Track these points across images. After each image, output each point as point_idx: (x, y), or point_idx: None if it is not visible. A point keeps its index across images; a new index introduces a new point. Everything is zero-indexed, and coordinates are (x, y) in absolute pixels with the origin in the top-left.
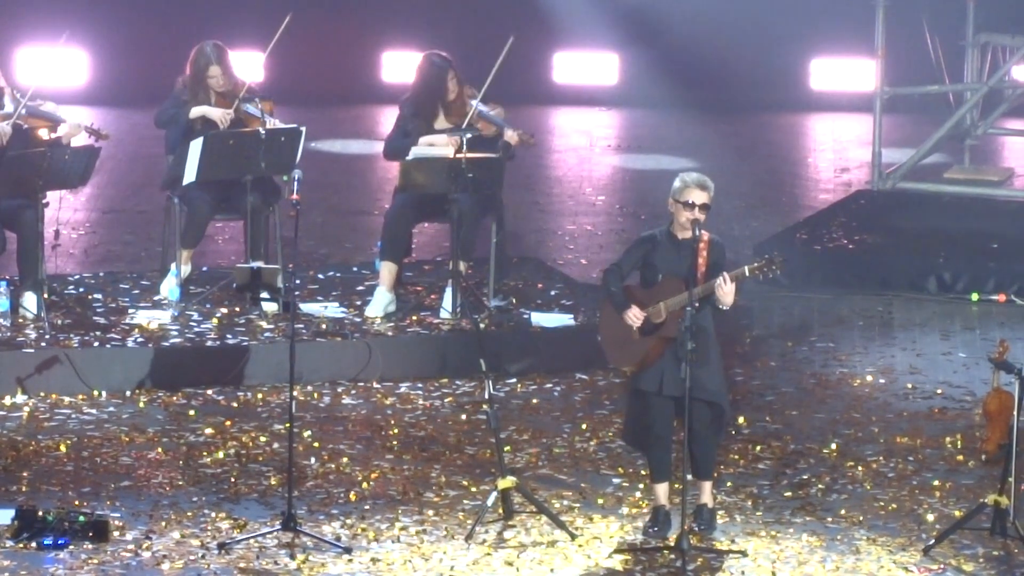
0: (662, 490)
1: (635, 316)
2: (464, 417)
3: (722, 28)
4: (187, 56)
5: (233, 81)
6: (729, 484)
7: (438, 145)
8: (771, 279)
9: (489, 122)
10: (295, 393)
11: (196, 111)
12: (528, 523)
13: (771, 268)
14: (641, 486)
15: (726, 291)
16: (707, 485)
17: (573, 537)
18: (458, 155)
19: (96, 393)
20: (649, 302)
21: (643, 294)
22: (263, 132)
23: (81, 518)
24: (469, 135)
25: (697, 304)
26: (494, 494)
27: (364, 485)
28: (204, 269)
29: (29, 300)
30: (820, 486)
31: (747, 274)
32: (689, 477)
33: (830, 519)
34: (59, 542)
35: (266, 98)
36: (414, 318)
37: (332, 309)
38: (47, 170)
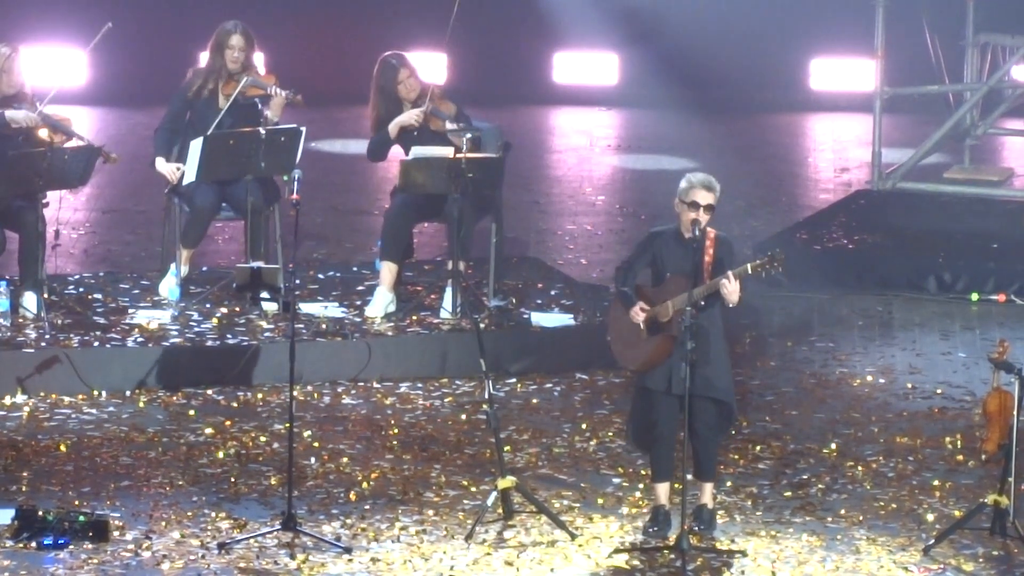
0: (662, 490)
1: (638, 312)
2: (464, 417)
3: (722, 28)
4: (187, 56)
5: (247, 64)
6: (729, 484)
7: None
8: (772, 276)
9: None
10: (295, 393)
11: (159, 165)
12: (528, 523)
13: (772, 265)
14: (641, 486)
15: (731, 289)
16: (708, 486)
17: (573, 537)
18: (458, 155)
19: (96, 393)
20: (657, 300)
21: (652, 292)
22: (263, 132)
23: (81, 518)
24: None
25: (703, 303)
26: (494, 494)
27: (364, 485)
28: (204, 269)
29: (29, 300)
30: (820, 486)
31: (749, 271)
32: (689, 477)
33: (830, 519)
34: (59, 542)
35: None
36: (414, 318)
37: (332, 309)
38: (47, 170)
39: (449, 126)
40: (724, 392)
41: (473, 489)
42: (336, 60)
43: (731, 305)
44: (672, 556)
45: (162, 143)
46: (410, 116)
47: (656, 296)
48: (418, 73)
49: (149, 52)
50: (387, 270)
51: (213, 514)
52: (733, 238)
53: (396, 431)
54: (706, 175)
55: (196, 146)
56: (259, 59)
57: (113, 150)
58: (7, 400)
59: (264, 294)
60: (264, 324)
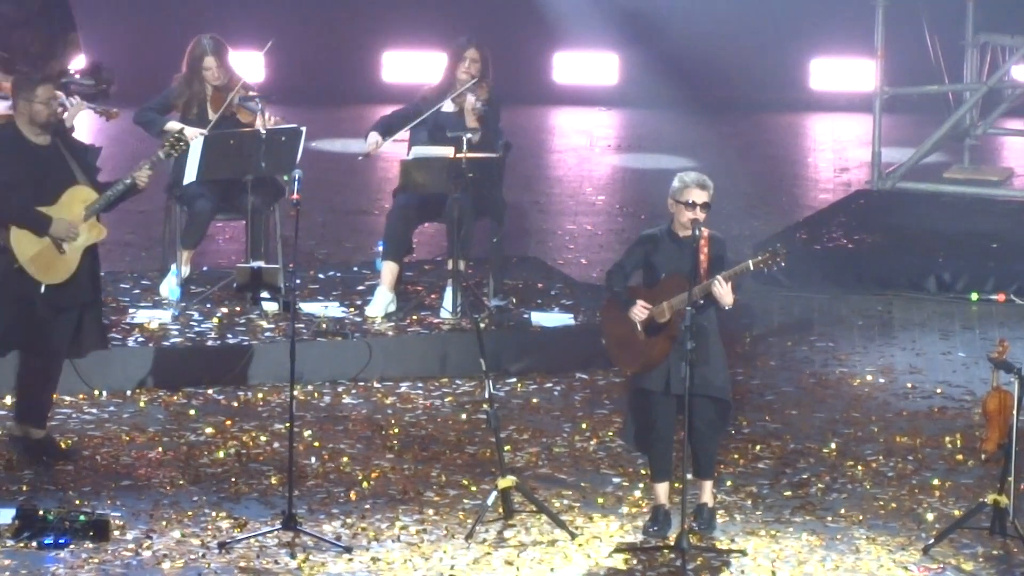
0: (662, 489)
1: (640, 311)
2: (464, 417)
3: (722, 28)
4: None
5: (229, 76)
6: (729, 483)
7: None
8: (773, 272)
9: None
10: (295, 393)
11: (171, 125)
12: (528, 522)
13: (775, 260)
14: (641, 485)
15: (723, 292)
16: (707, 484)
17: (573, 536)
18: (458, 155)
19: (96, 393)
20: (652, 301)
21: (646, 294)
22: (263, 132)
23: (82, 517)
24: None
25: (701, 302)
26: (494, 493)
27: (364, 484)
28: (204, 269)
29: None
30: (820, 485)
31: (751, 268)
32: (689, 476)
33: (830, 518)
34: (60, 541)
35: (264, 97)
36: (414, 318)
37: (332, 309)
38: None
39: (471, 100)
40: (721, 390)
41: (473, 489)
42: (336, 60)
43: (725, 307)
44: (672, 555)
45: (152, 118)
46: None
47: (651, 296)
48: (487, 66)
49: (148, 52)
50: (388, 270)
51: (213, 514)
52: (732, 238)
53: (396, 431)
54: (699, 173)
55: (196, 146)
56: (258, 60)
57: (113, 107)
58: (7, 400)
59: (264, 294)
60: (264, 324)
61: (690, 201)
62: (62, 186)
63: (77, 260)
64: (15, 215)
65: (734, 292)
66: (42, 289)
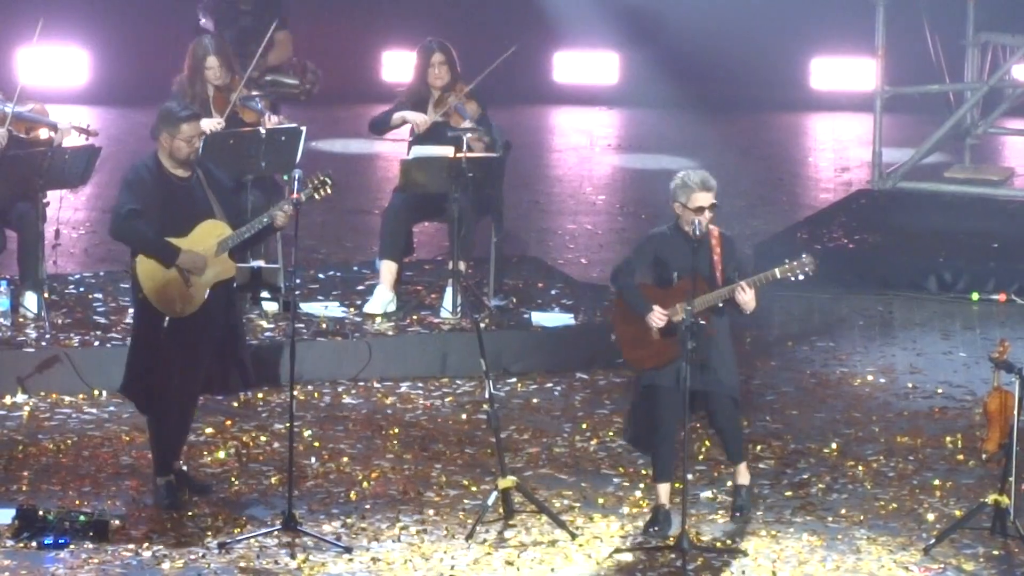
0: (663, 490)
1: (659, 317)
2: (464, 417)
3: (722, 28)
4: (186, 55)
5: (231, 75)
6: (729, 484)
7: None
8: (801, 280)
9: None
10: (295, 393)
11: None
12: (528, 523)
13: (802, 270)
14: (641, 485)
15: (747, 299)
16: (742, 466)
17: (573, 537)
18: (458, 155)
19: (96, 392)
20: (667, 302)
21: (660, 293)
22: (263, 131)
23: (81, 517)
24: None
25: (721, 305)
26: (494, 493)
27: (364, 485)
28: None
29: (29, 299)
30: (820, 486)
31: (777, 276)
32: (691, 474)
33: (830, 519)
34: (59, 541)
35: (265, 96)
36: (414, 318)
37: (332, 309)
38: (47, 170)
39: (467, 125)
40: (735, 389)
41: (474, 489)
42: (336, 60)
43: (747, 312)
44: (672, 556)
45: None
46: (417, 118)
47: (666, 297)
48: (454, 65)
49: (149, 52)
50: (386, 269)
51: (214, 514)
52: (734, 237)
53: (396, 431)
54: (701, 175)
55: None
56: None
57: (90, 124)
58: (7, 400)
59: (264, 294)
60: (264, 324)
61: (699, 206)
62: (197, 219)
63: (203, 295)
64: (142, 242)
65: (756, 299)
66: (165, 322)
